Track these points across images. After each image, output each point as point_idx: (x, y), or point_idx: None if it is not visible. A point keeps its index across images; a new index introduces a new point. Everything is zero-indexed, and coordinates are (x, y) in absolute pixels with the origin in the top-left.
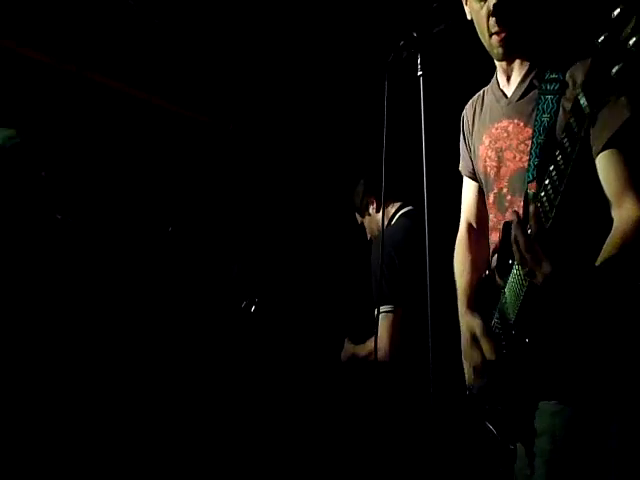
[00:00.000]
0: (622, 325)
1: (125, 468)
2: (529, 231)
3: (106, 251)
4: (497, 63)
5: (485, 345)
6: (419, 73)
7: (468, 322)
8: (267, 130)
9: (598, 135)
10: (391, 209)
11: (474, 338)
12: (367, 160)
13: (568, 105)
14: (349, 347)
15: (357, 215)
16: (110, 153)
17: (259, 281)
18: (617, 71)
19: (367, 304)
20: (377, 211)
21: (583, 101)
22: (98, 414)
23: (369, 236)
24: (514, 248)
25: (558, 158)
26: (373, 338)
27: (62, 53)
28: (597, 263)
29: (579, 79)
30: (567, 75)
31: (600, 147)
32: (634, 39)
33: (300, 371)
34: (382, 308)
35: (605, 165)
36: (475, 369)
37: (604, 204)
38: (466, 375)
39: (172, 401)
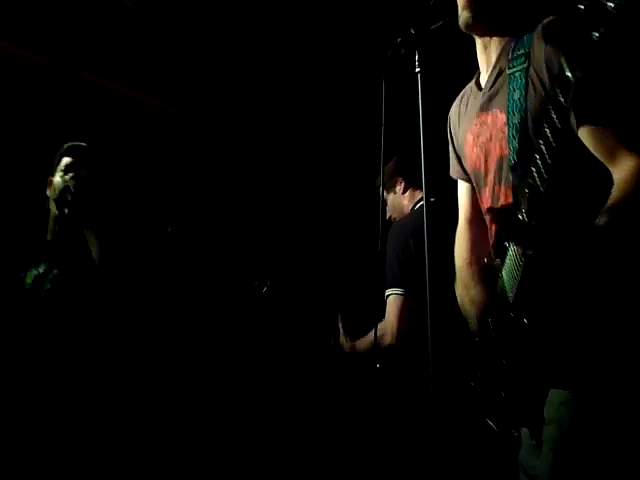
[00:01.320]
0: (625, 299)
1: (127, 462)
2: (523, 210)
3: (105, 252)
4: (478, 55)
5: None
6: (417, 70)
7: (464, 290)
8: (266, 129)
9: (577, 108)
10: (417, 195)
11: (470, 290)
12: (368, 154)
13: (536, 74)
14: (346, 345)
15: (381, 190)
16: (109, 154)
17: (268, 265)
18: (599, 34)
19: (378, 287)
20: (404, 192)
21: (567, 69)
22: (106, 401)
23: (388, 215)
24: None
25: (547, 132)
26: (373, 331)
27: (59, 54)
28: (599, 217)
29: (549, 44)
30: (533, 44)
31: (578, 121)
32: (614, 1)
33: (308, 356)
34: (391, 290)
35: (587, 138)
36: (477, 308)
37: (599, 170)
38: (470, 323)
39: (179, 394)
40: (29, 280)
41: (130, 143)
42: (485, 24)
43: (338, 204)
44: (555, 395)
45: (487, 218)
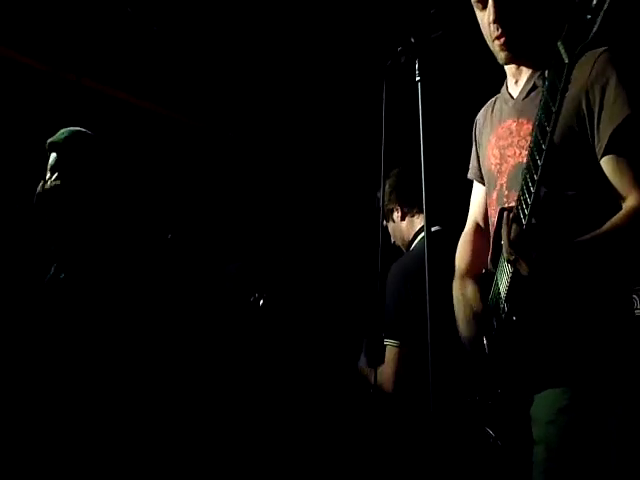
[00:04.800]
0: (607, 308)
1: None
2: (512, 229)
3: (105, 257)
4: (506, 67)
5: (473, 292)
6: (417, 79)
7: (460, 285)
8: (266, 137)
9: (599, 136)
10: (416, 222)
11: (464, 293)
12: (368, 163)
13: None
14: (364, 367)
15: (381, 217)
16: (109, 160)
17: (266, 278)
18: (591, 16)
19: (376, 303)
20: (402, 219)
21: (562, 49)
22: (104, 416)
23: (392, 240)
24: (503, 241)
25: (534, 148)
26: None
27: (61, 61)
28: (579, 239)
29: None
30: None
31: (602, 150)
32: None
33: (307, 368)
34: (388, 341)
35: (608, 170)
36: (466, 317)
37: (600, 201)
38: (459, 327)
39: (178, 401)
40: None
41: (131, 149)
42: (521, 57)
43: (338, 214)
44: (541, 414)
45: (491, 221)
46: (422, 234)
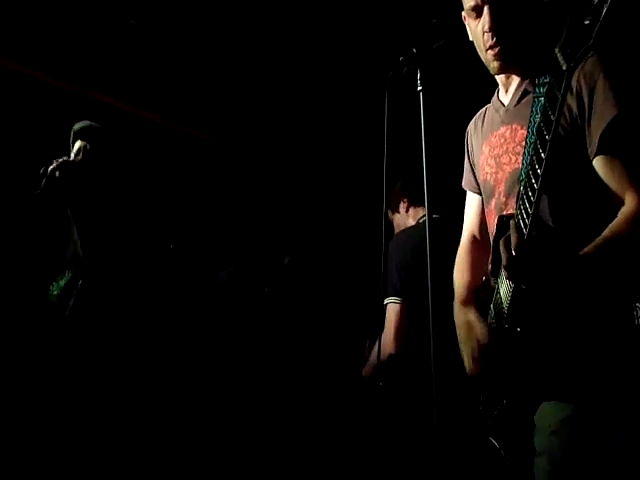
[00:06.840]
0: (612, 319)
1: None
2: (521, 221)
3: (108, 267)
4: (497, 77)
5: (479, 329)
6: (419, 88)
7: (462, 315)
8: (269, 148)
9: (591, 137)
10: (420, 212)
11: (469, 327)
12: (371, 173)
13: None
14: (368, 369)
15: (389, 212)
16: (112, 171)
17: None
18: (589, 20)
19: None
20: (407, 210)
21: (559, 56)
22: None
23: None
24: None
25: (538, 142)
26: (377, 344)
27: (65, 73)
28: (583, 252)
29: None
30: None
31: (594, 151)
32: None
33: (309, 373)
34: (389, 299)
35: (600, 170)
36: (473, 356)
37: (598, 203)
38: (465, 365)
39: (179, 402)
40: (56, 292)
41: (132, 160)
42: (512, 67)
43: (341, 223)
44: (545, 422)
45: (490, 231)
46: (425, 218)
